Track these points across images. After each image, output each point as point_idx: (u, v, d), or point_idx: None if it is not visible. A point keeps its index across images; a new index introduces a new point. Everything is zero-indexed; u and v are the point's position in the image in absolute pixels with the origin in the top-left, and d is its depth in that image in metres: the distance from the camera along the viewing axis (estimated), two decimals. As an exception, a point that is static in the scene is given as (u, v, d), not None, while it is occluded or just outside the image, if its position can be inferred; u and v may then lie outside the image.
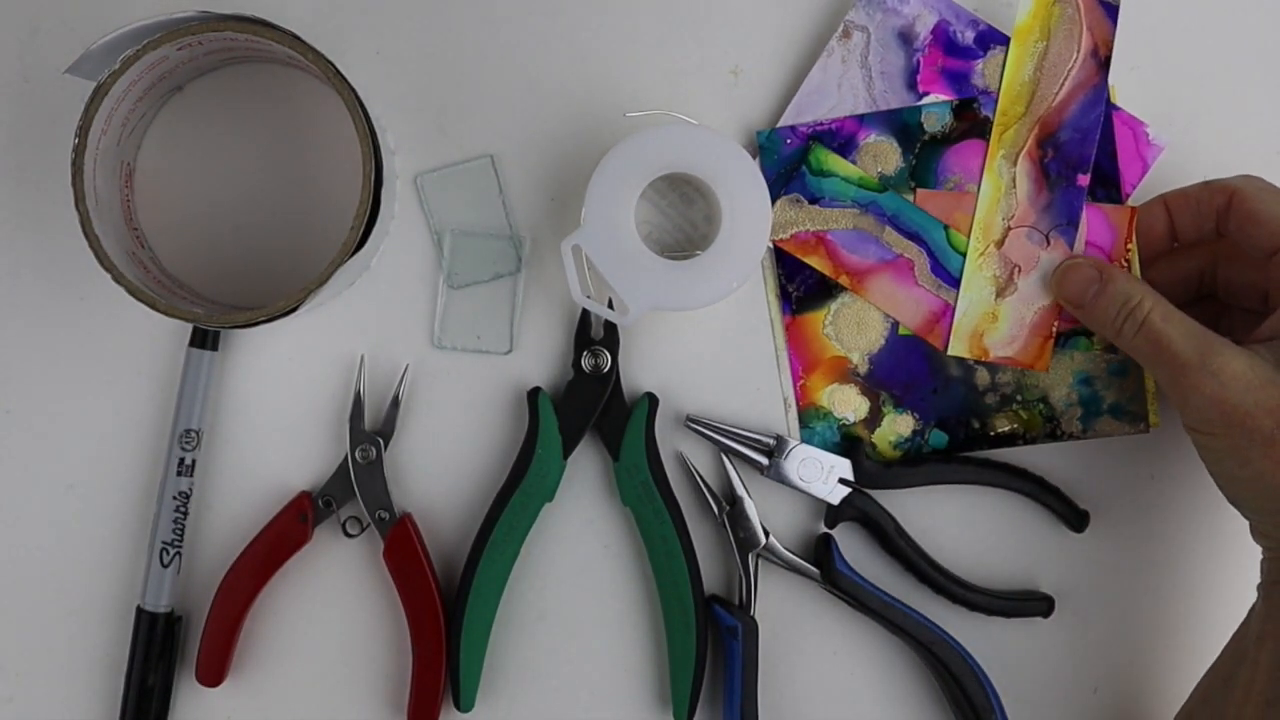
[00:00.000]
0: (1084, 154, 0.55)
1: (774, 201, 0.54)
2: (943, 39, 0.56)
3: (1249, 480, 0.48)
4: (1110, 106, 0.55)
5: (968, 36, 0.56)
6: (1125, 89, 0.56)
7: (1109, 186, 0.55)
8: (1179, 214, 0.54)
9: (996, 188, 0.55)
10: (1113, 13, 0.55)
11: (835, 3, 0.56)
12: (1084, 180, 0.55)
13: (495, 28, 0.55)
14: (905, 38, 0.56)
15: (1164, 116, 0.56)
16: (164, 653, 0.53)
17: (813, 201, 0.55)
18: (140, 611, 0.53)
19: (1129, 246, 0.55)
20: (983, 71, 0.55)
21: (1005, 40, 0.55)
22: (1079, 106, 0.55)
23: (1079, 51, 0.55)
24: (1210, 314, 0.55)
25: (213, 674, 0.53)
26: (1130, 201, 0.55)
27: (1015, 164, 0.55)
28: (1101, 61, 0.55)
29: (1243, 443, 0.47)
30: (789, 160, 0.55)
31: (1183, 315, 0.50)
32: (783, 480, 0.55)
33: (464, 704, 0.53)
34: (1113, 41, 0.55)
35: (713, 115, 0.55)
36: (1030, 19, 0.55)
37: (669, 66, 0.56)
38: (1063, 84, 0.55)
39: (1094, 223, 0.55)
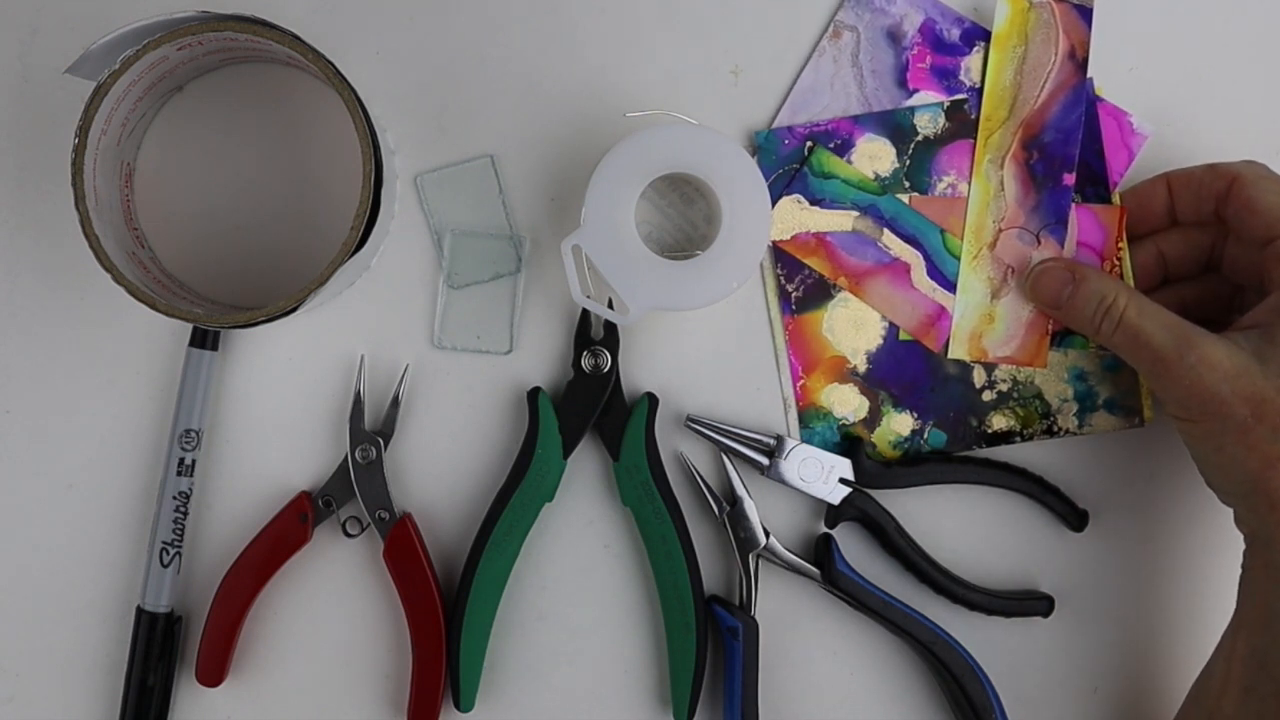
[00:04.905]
0: (1068, 153, 0.55)
1: (773, 202, 0.54)
2: (930, 37, 0.56)
3: (1223, 466, 0.49)
4: (1094, 100, 0.56)
5: (954, 34, 0.56)
6: (1120, 86, 0.56)
7: (1098, 185, 0.56)
8: (1180, 194, 0.54)
9: (985, 191, 0.55)
10: (1087, 15, 0.55)
11: (835, 3, 0.56)
12: (1069, 179, 0.55)
13: (495, 28, 0.55)
14: (894, 36, 0.56)
15: (1154, 106, 0.56)
16: (164, 653, 0.53)
17: (814, 203, 0.55)
18: (140, 611, 0.53)
19: (1120, 245, 0.55)
20: (969, 68, 0.56)
21: (989, 37, 0.56)
22: (1060, 107, 0.55)
23: (1056, 54, 0.55)
24: (1225, 288, 0.55)
25: (213, 674, 0.53)
26: (1117, 190, 0.56)
27: (1002, 167, 0.56)
28: (1079, 63, 0.55)
29: (1218, 429, 0.48)
30: (787, 160, 0.55)
31: (1158, 308, 0.50)
32: (783, 480, 0.55)
33: (464, 704, 0.53)
34: (1089, 42, 0.55)
35: (713, 115, 0.55)
36: (1008, 25, 0.56)
37: (669, 66, 0.56)
38: (1043, 86, 0.55)
39: (1084, 223, 0.55)
